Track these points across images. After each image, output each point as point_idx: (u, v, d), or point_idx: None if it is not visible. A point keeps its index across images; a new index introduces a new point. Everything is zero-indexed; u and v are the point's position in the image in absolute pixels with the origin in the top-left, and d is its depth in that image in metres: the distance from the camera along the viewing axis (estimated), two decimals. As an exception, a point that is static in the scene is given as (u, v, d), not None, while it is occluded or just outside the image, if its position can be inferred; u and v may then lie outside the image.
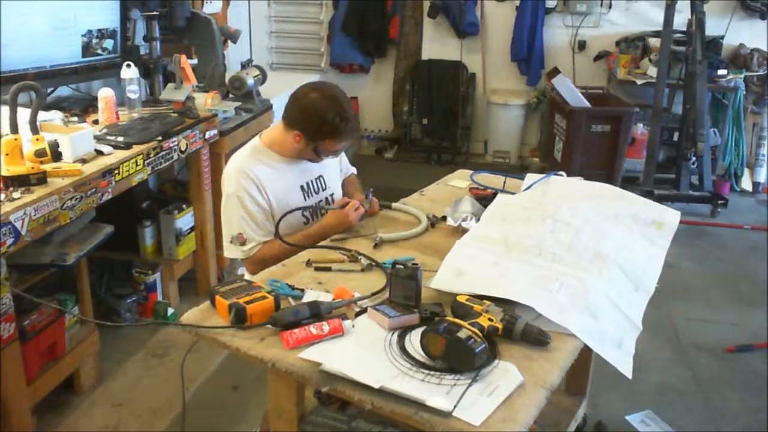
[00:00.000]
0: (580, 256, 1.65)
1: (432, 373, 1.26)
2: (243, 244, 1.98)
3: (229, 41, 3.90)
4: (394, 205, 2.10)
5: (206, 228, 3.26)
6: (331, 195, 2.20)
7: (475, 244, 1.72)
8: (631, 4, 5.34)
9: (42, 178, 2.09)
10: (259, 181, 1.99)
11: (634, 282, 1.67)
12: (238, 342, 1.39)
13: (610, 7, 5.38)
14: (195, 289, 3.36)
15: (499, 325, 1.39)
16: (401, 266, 1.52)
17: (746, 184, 5.25)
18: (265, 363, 1.35)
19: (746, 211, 4.84)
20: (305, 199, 2.11)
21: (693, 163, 4.80)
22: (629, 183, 4.88)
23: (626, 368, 1.44)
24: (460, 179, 2.50)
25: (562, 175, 2.20)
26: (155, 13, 3.20)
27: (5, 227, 1.90)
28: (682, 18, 4.69)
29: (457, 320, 1.34)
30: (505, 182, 2.35)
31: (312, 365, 1.30)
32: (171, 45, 3.40)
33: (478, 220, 1.91)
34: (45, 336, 2.30)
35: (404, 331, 1.41)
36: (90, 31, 2.91)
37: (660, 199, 4.62)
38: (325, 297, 1.57)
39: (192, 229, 3.23)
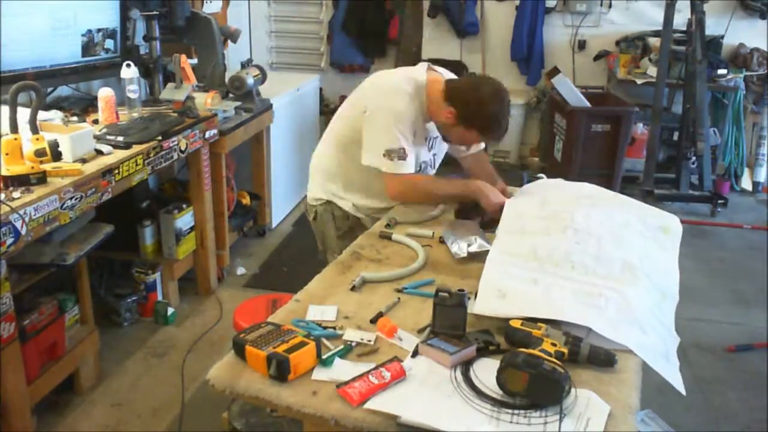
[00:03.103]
0: (609, 266, 1.60)
1: (516, 412, 1.19)
2: (403, 159, 2.03)
3: (229, 41, 3.90)
4: (394, 236, 1.96)
5: (206, 227, 3.26)
6: (434, 155, 2.29)
7: (507, 260, 1.63)
8: (631, 4, 5.34)
9: (42, 178, 2.09)
10: (416, 121, 2.08)
11: (661, 290, 1.63)
12: (288, 398, 1.23)
13: (610, 6, 5.38)
14: (195, 289, 3.36)
15: (564, 350, 1.31)
16: (446, 294, 1.40)
17: (746, 183, 5.25)
18: (326, 421, 1.19)
19: (746, 210, 4.84)
20: (428, 152, 2.22)
21: (693, 163, 4.81)
22: (629, 183, 4.89)
23: (678, 383, 1.38)
24: None
25: (542, 178, 2.22)
26: (155, 12, 3.19)
27: (5, 227, 1.89)
28: (682, 17, 4.69)
29: (531, 351, 1.26)
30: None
31: (385, 419, 1.17)
32: (171, 45, 3.39)
33: (482, 238, 1.84)
34: (45, 336, 2.30)
35: (465, 366, 1.30)
36: (90, 31, 2.90)
37: (660, 199, 4.63)
38: (363, 334, 1.43)
39: (192, 228, 3.23)
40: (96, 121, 2.73)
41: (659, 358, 1.40)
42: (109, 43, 3.03)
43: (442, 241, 1.92)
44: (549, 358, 1.24)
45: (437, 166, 2.34)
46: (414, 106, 2.06)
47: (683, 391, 1.37)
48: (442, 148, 2.32)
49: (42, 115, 2.40)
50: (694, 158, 4.76)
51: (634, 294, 1.52)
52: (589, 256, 1.62)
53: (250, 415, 2.32)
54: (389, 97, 2.07)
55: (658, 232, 1.86)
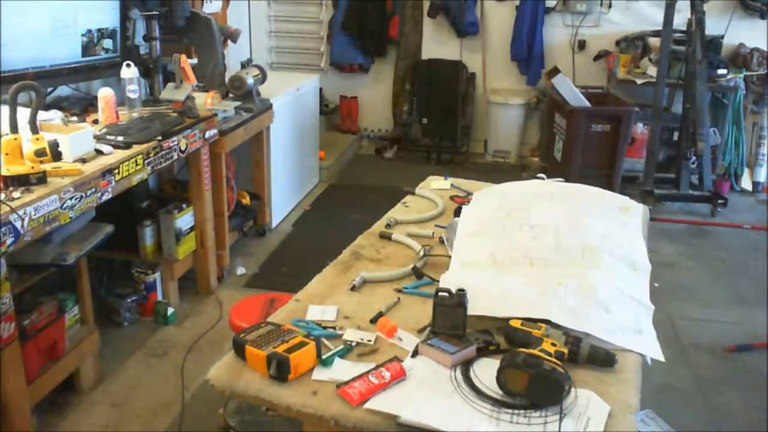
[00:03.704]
0: (570, 253, 1.63)
1: (516, 412, 1.19)
2: None
3: (229, 41, 3.90)
4: (394, 236, 1.95)
5: (206, 227, 3.26)
6: None
7: (466, 271, 1.64)
8: (631, 4, 5.34)
9: (42, 178, 2.09)
10: None
11: (630, 263, 1.65)
12: (288, 398, 1.22)
13: (610, 6, 5.38)
14: (195, 289, 3.36)
15: (564, 350, 1.32)
16: (446, 294, 1.40)
17: (746, 183, 5.25)
18: (326, 421, 1.19)
19: (746, 210, 4.84)
20: None
21: (693, 163, 4.81)
22: (629, 183, 4.89)
23: (655, 352, 1.38)
24: (441, 181, 2.47)
25: (543, 179, 2.24)
26: (155, 12, 3.20)
27: (5, 227, 1.89)
28: (682, 17, 4.69)
29: (531, 351, 1.26)
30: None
31: (385, 419, 1.17)
32: (171, 45, 3.39)
33: None
34: (45, 336, 2.30)
35: (465, 366, 1.31)
36: (90, 31, 2.90)
37: (660, 199, 4.64)
38: (363, 333, 1.43)
39: (192, 228, 3.23)
40: (96, 121, 2.73)
41: (628, 333, 1.41)
42: (109, 43, 3.03)
43: (441, 241, 1.92)
44: (549, 358, 1.24)
45: None
46: None
47: (662, 358, 1.37)
48: None
49: (42, 115, 2.40)
50: (694, 158, 4.76)
51: (596, 275, 1.54)
52: (547, 250, 1.65)
53: (245, 413, 2.33)
54: None
55: (616, 211, 1.90)
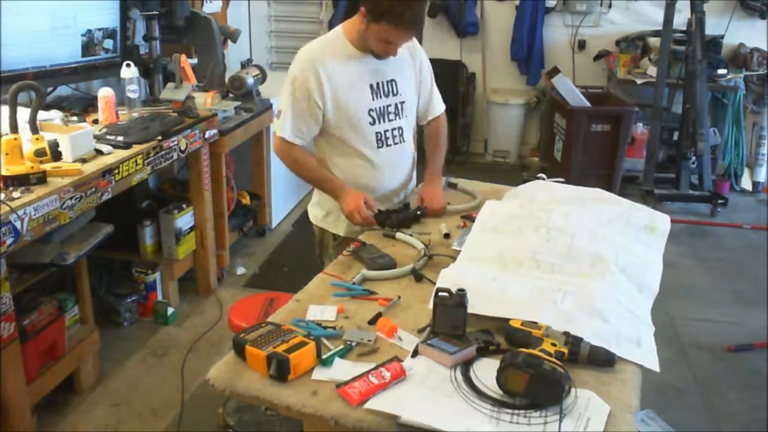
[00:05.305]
0: (579, 261, 1.63)
1: (516, 412, 1.19)
2: (278, 118, 2.08)
3: (228, 41, 3.90)
4: (398, 235, 1.95)
5: (206, 227, 3.26)
6: (402, 102, 2.16)
7: (471, 266, 1.65)
8: (631, 4, 5.34)
9: (42, 178, 2.09)
10: (324, 78, 1.99)
11: (638, 284, 1.65)
12: (288, 398, 1.23)
13: (609, 6, 5.38)
14: (195, 289, 3.36)
15: (565, 350, 1.32)
16: (446, 293, 1.39)
17: (746, 183, 5.25)
18: (326, 421, 1.18)
19: (746, 210, 4.84)
20: (373, 99, 2.09)
21: (693, 163, 4.81)
22: (629, 182, 4.89)
23: (652, 362, 1.39)
24: None
25: (543, 179, 2.22)
26: (155, 12, 3.20)
27: (5, 227, 1.89)
28: (682, 17, 4.70)
29: (531, 351, 1.26)
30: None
31: (385, 419, 1.17)
32: (171, 44, 3.40)
33: None
34: (45, 336, 2.31)
35: (465, 366, 1.31)
36: (90, 31, 2.90)
37: (660, 199, 4.64)
38: (363, 334, 1.43)
39: (192, 228, 3.23)
40: (96, 121, 2.73)
41: (625, 343, 1.41)
42: (109, 43, 3.03)
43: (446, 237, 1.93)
44: (549, 358, 1.24)
45: (405, 114, 2.18)
46: (312, 65, 1.99)
47: (657, 368, 1.37)
48: (407, 95, 2.19)
49: (42, 115, 2.40)
50: (694, 158, 4.77)
51: (598, 285, 1.54)
52: (557, 254, 1.65)
53: (244, 412, 2.33)
54: (293, 64, 2.08)
55: (642, 230, 1.89)
